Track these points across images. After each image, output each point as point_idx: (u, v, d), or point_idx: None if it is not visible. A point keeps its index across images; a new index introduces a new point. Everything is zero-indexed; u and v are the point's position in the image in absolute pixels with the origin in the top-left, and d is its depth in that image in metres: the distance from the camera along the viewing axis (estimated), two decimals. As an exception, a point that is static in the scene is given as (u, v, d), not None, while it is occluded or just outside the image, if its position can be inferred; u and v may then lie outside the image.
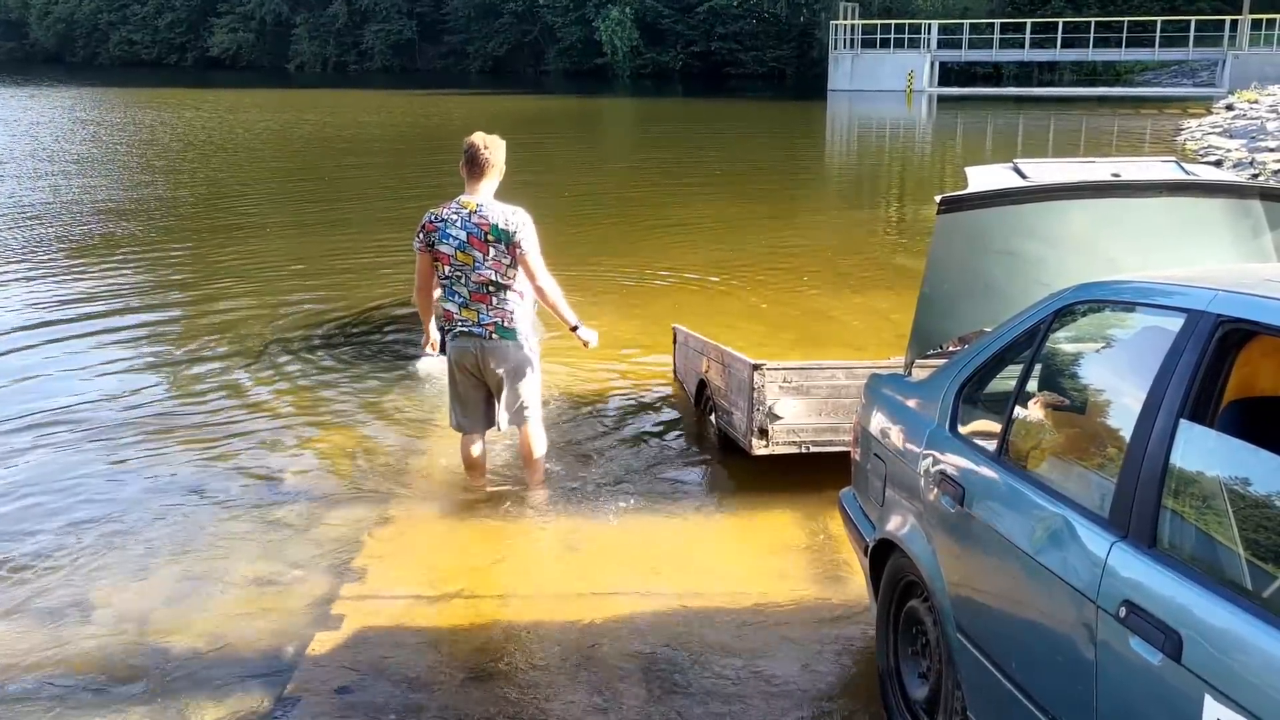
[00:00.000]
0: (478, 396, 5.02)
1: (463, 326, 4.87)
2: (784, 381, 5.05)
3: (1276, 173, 14.29)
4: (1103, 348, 2.81)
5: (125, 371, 7.54)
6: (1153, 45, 38.39)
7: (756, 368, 5.03)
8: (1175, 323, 2.29)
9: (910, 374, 3.71)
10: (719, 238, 12.61)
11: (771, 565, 4.52)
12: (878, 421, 3.55)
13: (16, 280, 10.36)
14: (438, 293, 4.96)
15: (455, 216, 4.82)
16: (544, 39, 59.22)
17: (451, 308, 4.88)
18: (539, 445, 5.16)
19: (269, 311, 9.09)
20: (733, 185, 17.47)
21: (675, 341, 6.95)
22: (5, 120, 30.58)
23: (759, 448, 5.06)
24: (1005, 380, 2.95)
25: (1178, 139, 21.35)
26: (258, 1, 67.92)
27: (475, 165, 4.85)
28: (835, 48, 41.45)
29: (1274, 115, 20.48)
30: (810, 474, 5.21)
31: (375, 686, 3.59)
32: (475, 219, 4.78)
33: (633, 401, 6.68)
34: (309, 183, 18.62)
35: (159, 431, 6.23)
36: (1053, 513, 2.42)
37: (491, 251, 4.78)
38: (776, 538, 4.77)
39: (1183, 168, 3.67)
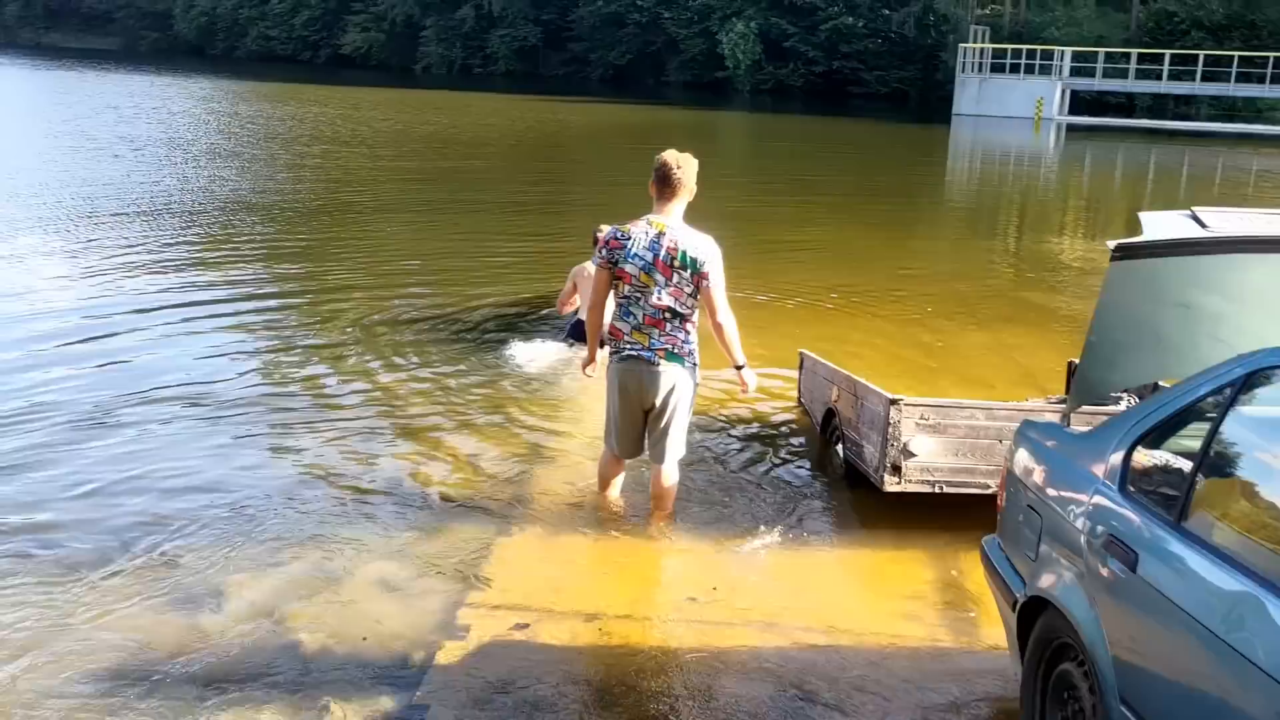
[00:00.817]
0: (632, 420, 4.95)
1: (631, 349, 4.79)
2: (921, 418, 4.93)
3: None
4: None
5: (246, 356, 7.80)
6: (1301, 82, 36.85)
7: (893, 402, 4.92)
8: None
9: (1068, 424, 3.58)
10: (840, 260, 12.48)
11: (903, 607, 4.41)
12: (1034, 472, 3.42)
13: (144, 265, 10.72)
14: (611, 310, 4.89)
15: (643, 236, 4.72)
16: (666, 50, 59.40)
17: (623, 328, 4.80)
18: (671, 478, 5.02)
19: (387, 306, 9.23)
20: (854, 207, 17.28)
21: (801, 366, 6.86)
22: (144, 109, 31.81)
23: (891, 484, 4.94)
24: (1185, 441, 2.81)
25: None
26: (390, 3, 69.52)
27: (666, 185, 4.73)
28: (963, 70, 40.69)
29: None
30: (942, 514, 5.08)
31: (501, 701, 3.59)
32: (665, 241, 4.69)
33: (756, 425, 6.59)
34: (430, 181, 18.93)
35: (281, 422, 6.39)
36: (1243, 589, 2.29)
37: (675, 277, 4.68)
38: (908, 579, 4.65)
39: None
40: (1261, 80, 37.67)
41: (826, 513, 5.36)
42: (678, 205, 4.79)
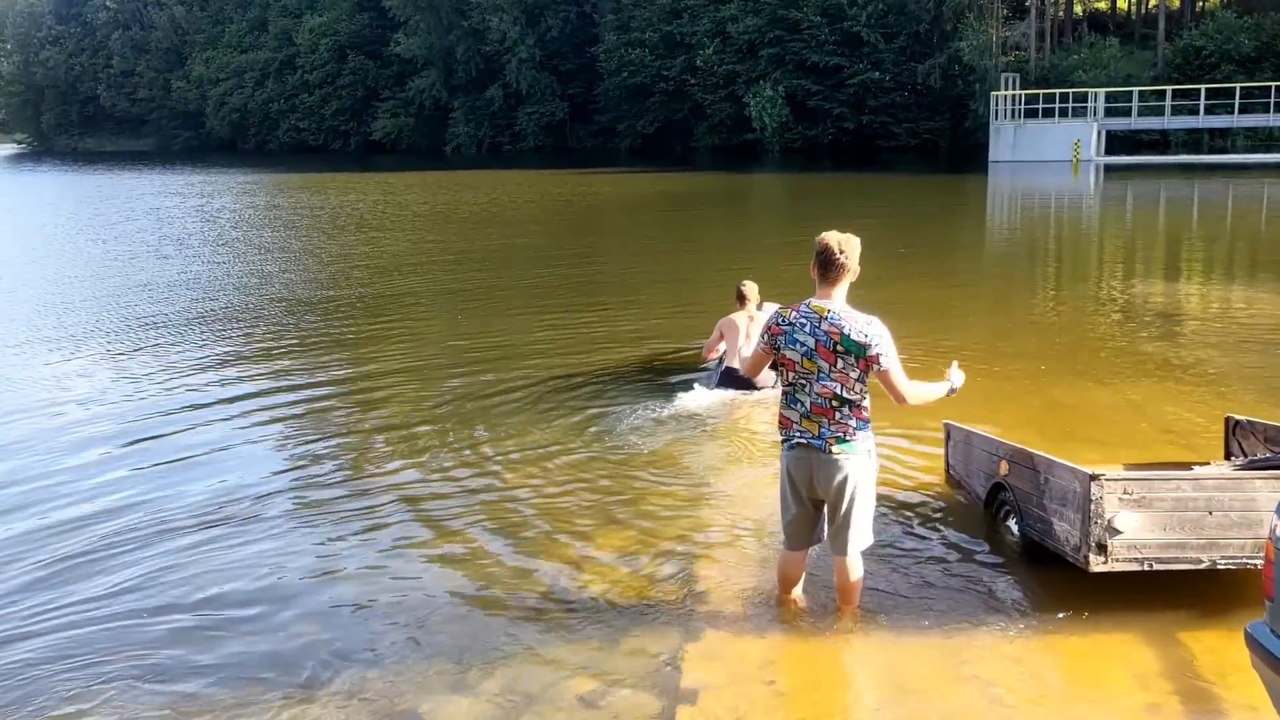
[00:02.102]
0: (804, 512, 4.78)
1: (801, 438, 4.64)
2: (1125, 492, 4.69)
3: None
4: None
5: (333, 452, 7.65)
6: (1341, 109, 36.62)
7: (1094, 478, 4.68)
8: None
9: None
10: (928, 320, 12.19)
11: (1137, 699, 4.14)
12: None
13: (211, 364, 10.65)
14: (780, 400, 4.77)
15: (805, 321, 4.59)
16: (693, 116, 59.93)
17: (792, 416, 4.66)
18: (857, 570, 4.81)
19: (472, 390, 9.07)
20: (919, 264, 17.06)
21: (949, 438, 6.64)
22: (185, 209, 32.22)
23: (1098, 564, 4.69)
24: None
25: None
26: (418, 88, 70.77)
27: (830, 268, 4.59)
28: (997, 118, 40.70)
29: None
30: (1147, 591, 4.83)
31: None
32: (826, 326, 4.55)
33: (909, 503, 6.35)
34: (477, 261, 18.91)
35: (404, 521, 6.22)
36: None
37: (839, 363, 4.53)
38: (1132, 665, 4.39)
39: None
40: (1298, 110, 37.47)
41: (1019, 596, 5.08)
42: (840, 289, 4.65)
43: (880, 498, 6.34)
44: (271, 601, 5.19)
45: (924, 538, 5.82)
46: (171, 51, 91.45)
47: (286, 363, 10.78)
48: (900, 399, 4.66)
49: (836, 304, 4.62)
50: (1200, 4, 56.78)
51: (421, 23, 67.97)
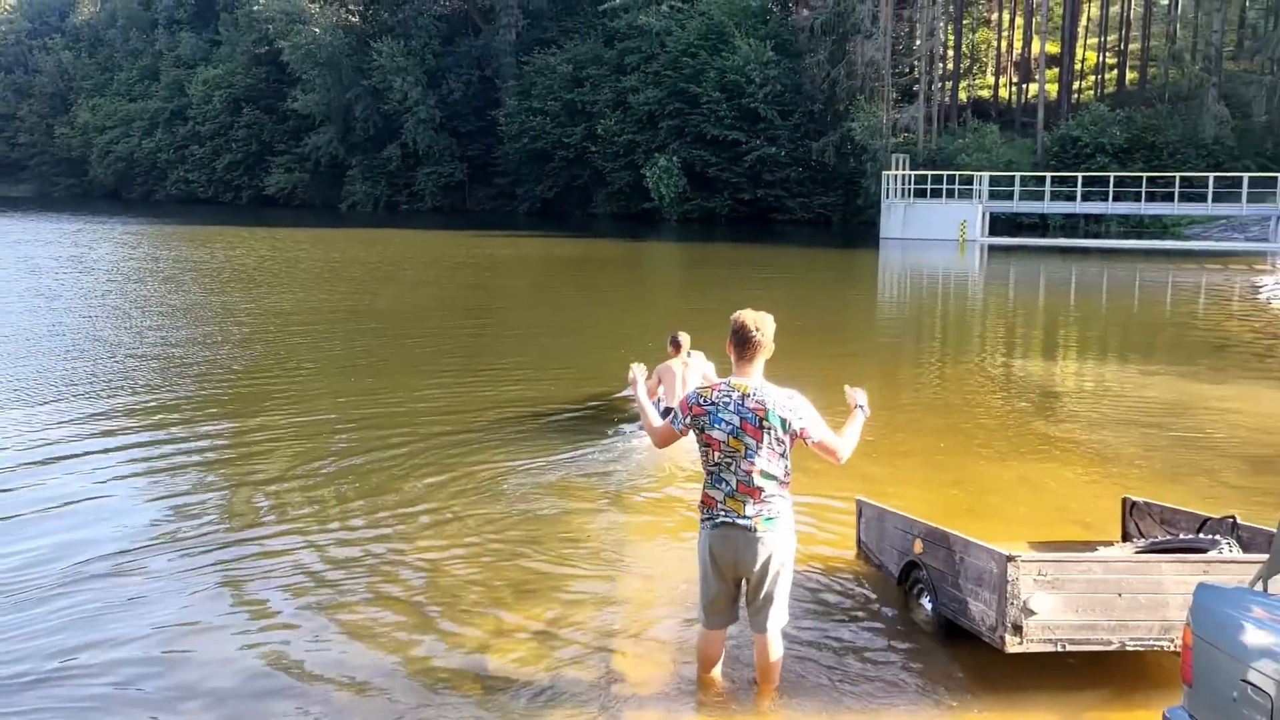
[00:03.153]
0: (726, 591, 4.75)
1: (725, 517, 4.62)
2: (1039, 574, 4.79)
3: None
4: None
5: (179, 510, 7.35)
6: (1205, 200, 38.72)
7: (1011, 559, 4.77)
8: None
9: (1265, 588, 3.45)
10: (827, 397, 12.33)
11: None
12: (1251, 648, 3.26)
13: (75, 419, 10.26)
14: (705, 478, 4.72)
15: (728, 400, 4.61)
16: (593, 183, 60.50)
17: (716, 495, 4.64)
18: (778, 650, 4.82)
19: (351, 449, 8.89)
20: (814, 337, 17.32)
21: (860, 514, 6.71)
22: (61, 259, 31.10)
23: (1013, 645, 4.76)
24: None
25: (1259, 296, 21.25)
26: (315, 144, 70.03)
27: (747, 346, 4.63)
28: (888, 196, 42.03)
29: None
30: (1062, 673, 4.93)
31: None
32: (750, 404, 4.58)
33: (820, 579, 6.39)
34: (359, 319, 18.64)
35: (281, 586, 6.00)
36: None
37: (766, 438, 4.56)
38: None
39: None
40: (1170, 199, 39.51)
41: (936, 675, 5.13)
42: (758, 366, 4.70)
43: (795, 574, 6.39)
44: (140, 673, 4.94)
45: (839, 616, 5.85)
46: (56, 97, 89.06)
47: (157, 421, 10.41)
48: (838, 459, 4.70)
49: (756, 380, 4.66)
50: (1076, 96, 59.91)
51: (320, 79, 67.43)
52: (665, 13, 56.44)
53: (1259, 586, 3.48)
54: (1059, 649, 4.80)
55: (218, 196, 76.65)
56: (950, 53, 62.39)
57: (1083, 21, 64.98)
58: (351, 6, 69.33)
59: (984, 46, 68.56)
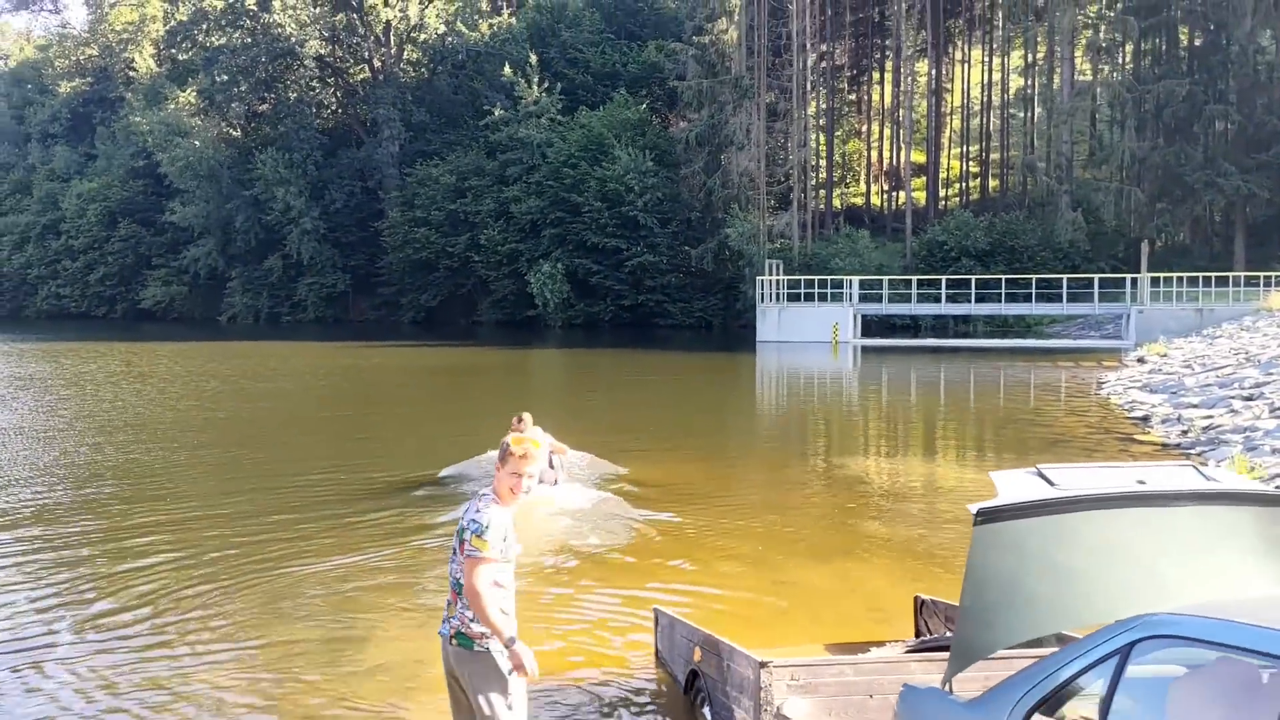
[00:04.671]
0: (456, 700, 4.52)
1: (442, 626, 4.51)
2: (792, 679, 4.85)
3: (1205, 429, 14.81)
4: (1186, 687, 2.72)
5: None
6: (1060, 300, 40.62)
7: (763, 665, 4.83)
8: (1257, 667, 2.22)
9: (950, 689, 3.56)
10: (664, 498, 12.39)
11: None
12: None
13: None
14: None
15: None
16: (477, 291, 60.73)
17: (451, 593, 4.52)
18: None
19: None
20: (670, 440, 17.49)
21: (657, 624, 6.73)
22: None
23: (769, 751, 4.79)
24: (1080, 706, 2.82)
25: (1100, 392, 22.19)
26: (193, 256, 69.03)
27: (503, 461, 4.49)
28: (762, 300, 43.08)
29: (1189, 371, 21.42)
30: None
31: None
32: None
33: (615, 687, 6.36)
34: (213, 429, 18.27)
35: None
36: None
37: (459, 549, 4.39)
38: None
39: (1202, 473, 3.71)
40: (1029, 299, 41.31)
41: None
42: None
43: (591, 681, 6.37)
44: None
45: (625, 727, 5.81)
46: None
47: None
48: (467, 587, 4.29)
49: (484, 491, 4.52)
50: (944, 203, 62.69)
51: (200, 191, 66.80)
52: (545, 125, 57.63)
53: (946, 687, 3.59)
54: (814, 753, 4.85)
55: (90, 311, 74.74)
56: (823, 162, 64.95)
57: (946, 133, 68.40)
58: (233, 120, 69.12)
59: (855, 156, 71.57)
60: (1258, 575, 3.43)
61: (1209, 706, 2.50)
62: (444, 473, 13.30)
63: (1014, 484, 3.62)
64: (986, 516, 3.40)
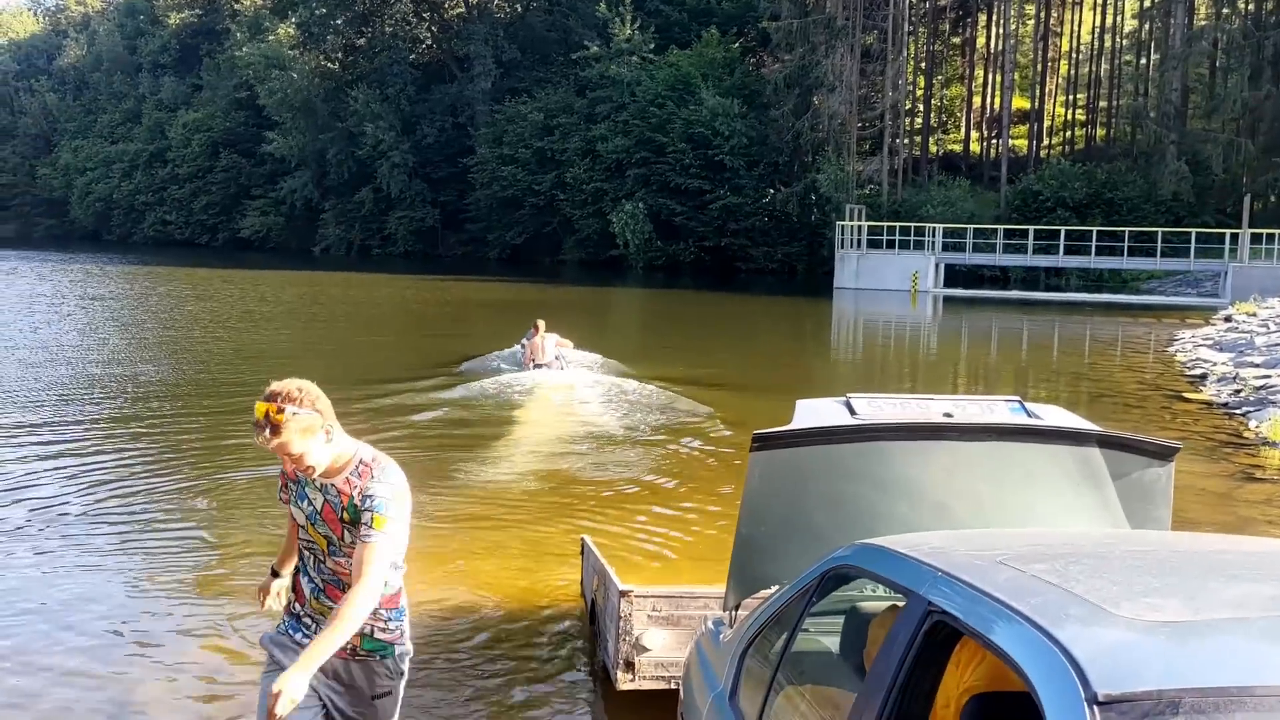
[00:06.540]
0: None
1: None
2: (654, 610, 4.71)
3: (1259, 388, 14.05)
4: (853, 620, 2.52)
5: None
6: (1154, 255, 38.95)
7: (624, 594, 4.70)
8: (901, 604, 2.01)
9: (734, 619, 3.39)
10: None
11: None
12: (693, 674, 3.22)
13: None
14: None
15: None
16: (561, 230, 60.76)
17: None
18: None
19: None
20: (751, 377, 17.18)
21: (583, 554, 6.63)
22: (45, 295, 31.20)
23: (625, 682, 4.67)
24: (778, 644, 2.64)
25: (1170, 349, 21.24)
26: (290, 188, 70.44)
27: None
28: (842, 247, 42.24)
29: (1264, 330, 20.36)
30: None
31: None
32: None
33: (529, 618, 6.29)
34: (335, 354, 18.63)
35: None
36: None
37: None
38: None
39: (1025, 409, 3.42)
40: (1122, 253, 39.71)
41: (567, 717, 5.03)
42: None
43: (514, 607, 6.33)
44: None
45: (521, 659, 5.71)
46: (40, 138, 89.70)
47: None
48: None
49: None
50: (1047, 152, 60.42)
51: (295, 124, 67.95)
52: (636, 64, 57.04)
53: (727, 617, 3.42)
54: (672, 687, 4.70)
55: (194, 238, 76.94)
56: (921, 107, 63.07)
57: (1054, 79, 65.75)
58: (330, 53, 69.95)
59: (957, 101, 69.29)
60: (1063, 513, 3.17)
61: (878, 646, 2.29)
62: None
63: (813, 412, 3.39)
64: (764, 443, 3.19)
